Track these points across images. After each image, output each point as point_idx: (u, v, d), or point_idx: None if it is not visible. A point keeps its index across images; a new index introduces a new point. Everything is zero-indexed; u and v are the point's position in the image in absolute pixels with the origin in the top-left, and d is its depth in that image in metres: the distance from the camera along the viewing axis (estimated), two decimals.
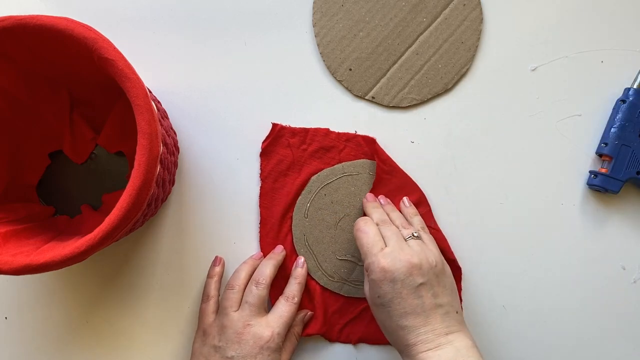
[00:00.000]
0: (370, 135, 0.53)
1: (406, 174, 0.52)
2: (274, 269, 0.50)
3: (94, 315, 0.53)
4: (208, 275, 0.51)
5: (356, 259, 0.52)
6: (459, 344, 0.42)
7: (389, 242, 0.45)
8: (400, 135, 0.53)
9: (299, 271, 0.51)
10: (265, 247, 0.52)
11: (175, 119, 0.53)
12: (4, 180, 0.49)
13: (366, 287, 0.45)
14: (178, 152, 0.52)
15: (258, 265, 0.51)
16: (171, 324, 0.52)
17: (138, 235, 0.53)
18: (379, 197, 0.51)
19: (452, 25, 0.53)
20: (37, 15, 0.39)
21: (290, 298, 0.49)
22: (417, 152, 0.53)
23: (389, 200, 0.51)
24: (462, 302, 0.51)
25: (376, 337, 0.52)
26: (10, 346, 0.53)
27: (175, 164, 0.51)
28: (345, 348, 0.52)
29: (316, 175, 0.52)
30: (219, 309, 0.49)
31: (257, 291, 0.48)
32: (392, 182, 0.52)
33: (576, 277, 0.52)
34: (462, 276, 0.52)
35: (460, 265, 0.51)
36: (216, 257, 0.52)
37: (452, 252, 0.51)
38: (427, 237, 0.47)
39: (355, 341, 0.52)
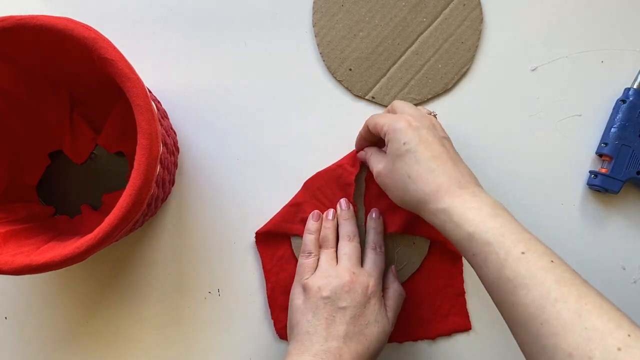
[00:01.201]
0: None
1: None
2: (354, 224, 0.49)
3: (94, 315, 0.53)
4: (308, 230, 0.50)
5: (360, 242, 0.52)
6: (492, 199, 0.41)
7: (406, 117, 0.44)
8: None
9: (375, 221, 0.50)
10: (265, 253, 0.52)
11: (175, 119, 0.53)
12: (4, 180, 0.49)
13: (380, 157, 0.45)
14: (178, 152, 0.52)
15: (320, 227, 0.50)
16: (171, 324, 0.52)
17: (138, 235, 0.53)
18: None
19: (452, 25, 0.53)
20: (37, 15, 0.39)
21: (378, 247, 0.49)
22: None
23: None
24: (465, 301, 0.52)
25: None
26: (10, 346, 0.53)
27: (175, 164, 0.51)
28: None
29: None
30: (319, 264, 0.47)
31: (353, 244, 0.48)
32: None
33: None
34: (463, 274, 0.52)
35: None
36: (315, 212, 0.51)
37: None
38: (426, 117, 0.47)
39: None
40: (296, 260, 0.51)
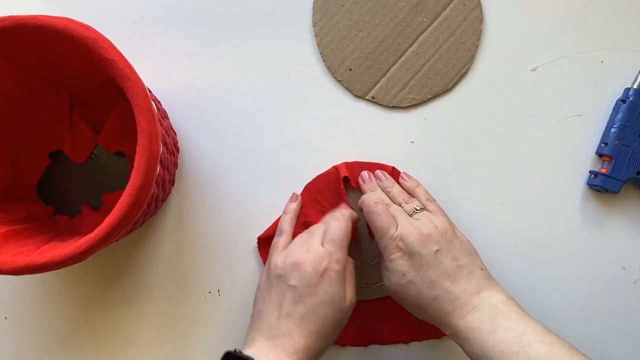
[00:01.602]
0: (370, 135, 0.53)
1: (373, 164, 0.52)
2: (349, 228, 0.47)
3: (94, 315, 0.53)
4: (284, 211, 0.51)
5: (358, 260, 0.52)
6: (494, 299, 0.42)
7: (397, 221, 0.46)
8: (400, 135, 0.53)
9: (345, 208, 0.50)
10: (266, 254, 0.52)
11: (175, 119, 0.53)
12: (4, 180, 0.49)
13: (386, 276, 0.45)
14: (178, 152, 0.52)
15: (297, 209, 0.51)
16: (171, 324, 0.52)
17: (138, 235, 0.53)
18: (375, 172, 0.51)
19: (452, 25, 0.53)
20: (37, 15, 0.39)
21: (338, 216, 0.47)
22: (417, 152, 0.53)
23: (385, 174, 0.51)
24: None
25: (388, 336, 0.51)
26: (10, 346, 0.53)
27: (175, 164, 0.51)
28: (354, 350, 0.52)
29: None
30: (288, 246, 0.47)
31: (330, 222, 0.46)
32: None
33: (576, 277, 0.52)
34: None
35: None
36: (293, 194, 0.51)
37: None
38: (433, 206, 0.48)
39: (367, 343, 0.52)
40: None
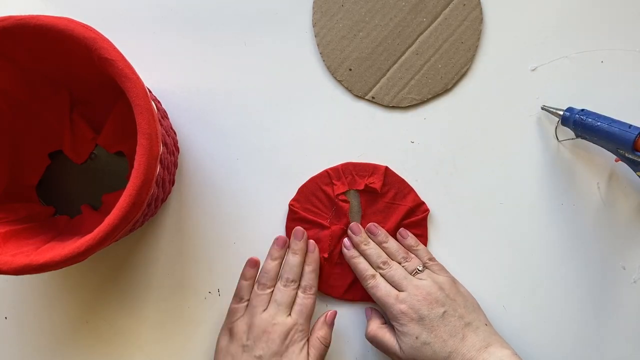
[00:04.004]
0: (370, 135, 0.53)
1: (397, 176, 0.53)
2: (298, 263, 0.49)
3: (94, 315, 0.53)
4: (243, 276, 0.50)
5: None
6: (500, 353, 0.44)
7: (399, 285, 0.47)
8: (400, 135, 0.53)
9: (311, 257, 0.50)
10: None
11: (175, 119, 0.53)
12: (4, 180, 0.49)
13: (400, 340, 0.46)
14: (178, 152, 0.52)
15: (284, 255, 0.50)
16: (171, 324, 0.52)
17: (138, 235, 0.53)
18: (366, 227, 0.51)
19: (452, 25, 0.53)
20: (37, 15, 0.39)
21: (308, 289, 0.49)
22: (417, 152, 0.53)
23: (377, 226, 0.51)
24: None
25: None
26: (10, 346, 0.53)
27: (175, 164, 0.51)
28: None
29: None
30: (248, 308, 0.48)
31: (287, 290, 0.48)
32: (381, 201, 0.52)
33: (576, 277, 0.52)
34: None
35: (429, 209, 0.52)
36: (251, 259, 0.50)
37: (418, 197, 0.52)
38: (436, 266, 0.50)
39: (358, 299, 0.52)
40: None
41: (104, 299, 0.53)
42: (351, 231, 0.51)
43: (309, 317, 0.48)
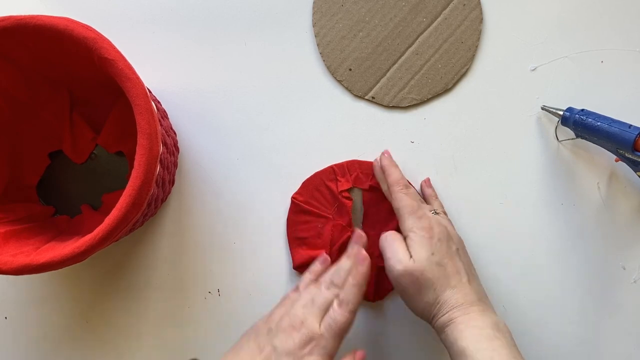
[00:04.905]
0: (370, 135, 0.53)
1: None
2: (359, 291, 0.44)
3: (94, 315, 0.53)
4: (309, 270, 0.48)
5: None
6: (494, 318, 0.44)
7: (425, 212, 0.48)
8: (400, 135, 0.53)
9: (357, 270, 0.45)
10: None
11: (175, 119, 0.53)
12: (4, 180, 0.49)
13: (412, 250, 0.45)
14: (178, 152, 0.52)
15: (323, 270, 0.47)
16: (171, 323, 0.52)
17: (138, 235, 0.53)
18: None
19: (452, 25, 0.53)
20: (37, 15, 0.39)
21: (345, 304, 0.43)
22: (417, 152, 0.53)
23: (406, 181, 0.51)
24: None
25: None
26: (10, 346, 0.53)
27: (175, 164, 0.51)
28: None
29: None
30: (293, 296, 0.46)
31: (328, 293, 0.44)
32: (384, 201, 0.52)
33: (576, 277, 0.52)
34: None
35: None
36: (324, 256, 0.49)
37: None
38: (447, 219, 0.50)
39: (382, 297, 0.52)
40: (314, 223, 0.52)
41: (104, 298, 0.53)
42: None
43: (339, 336, 0.42)
